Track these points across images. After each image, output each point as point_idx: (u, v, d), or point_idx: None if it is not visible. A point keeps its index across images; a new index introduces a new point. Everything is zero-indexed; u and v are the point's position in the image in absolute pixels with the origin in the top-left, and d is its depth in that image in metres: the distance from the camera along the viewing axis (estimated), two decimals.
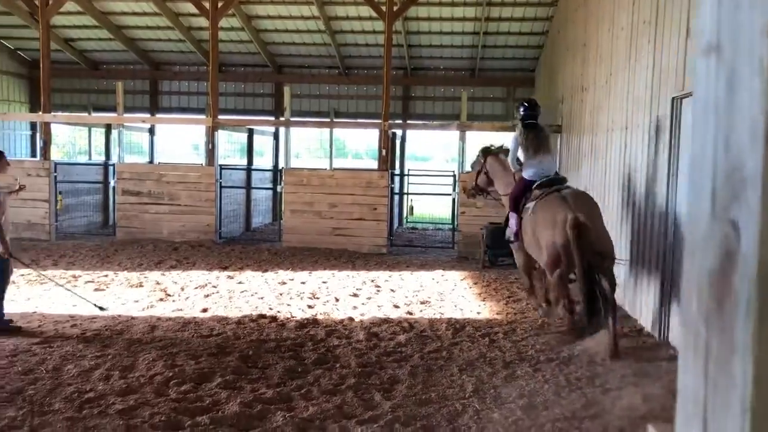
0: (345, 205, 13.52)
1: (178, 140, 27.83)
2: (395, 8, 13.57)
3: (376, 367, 5.99)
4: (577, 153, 11.79)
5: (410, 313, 8.26)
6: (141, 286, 9.66)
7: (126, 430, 4.41)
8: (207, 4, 13.97)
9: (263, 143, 20.28)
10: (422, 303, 8.88)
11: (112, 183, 15.02)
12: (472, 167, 9.32)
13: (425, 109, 19.64)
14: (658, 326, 6.98)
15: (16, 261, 7.36)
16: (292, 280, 10.37)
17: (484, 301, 9.10)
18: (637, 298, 7.75)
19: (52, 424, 4.48)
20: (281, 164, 18.09)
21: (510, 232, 7.85)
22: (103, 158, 19.24)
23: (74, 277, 10.16)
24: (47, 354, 6.09)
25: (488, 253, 11.98)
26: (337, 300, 8.99)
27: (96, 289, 9.30)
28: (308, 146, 24.62)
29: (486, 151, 8.75)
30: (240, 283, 10.05)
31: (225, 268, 11.22)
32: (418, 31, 17.08)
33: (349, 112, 19.67)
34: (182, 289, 9.48)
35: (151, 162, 19.17)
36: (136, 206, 14.04)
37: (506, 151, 8.38)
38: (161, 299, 8.77)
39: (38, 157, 15.42)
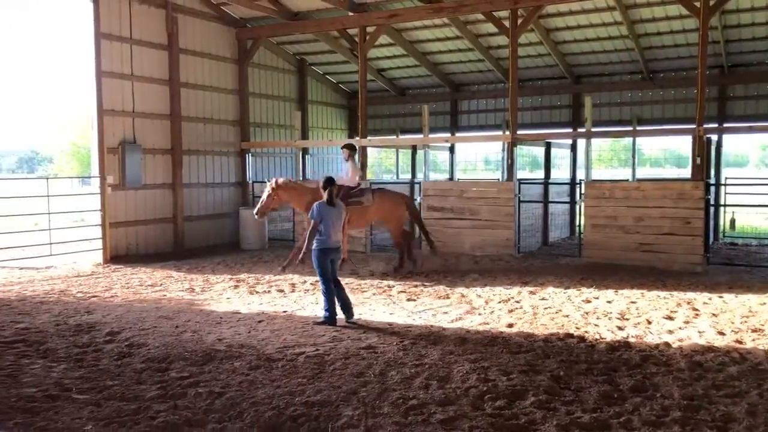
0: (653, 218, 12.61)
1: (470, 156, 28.79)
2: (711, 3, 12.32)
3: (704, 401, 5.41)
4: None
5: (740, 342, 7.33)
6: (447, 297, 10.12)
7: None
8: (507, 23, 14.24)
9: (559, 155, 19.95)
10: (754, 331, 7.82)
11: (417, 200, 16.07)
12: (267, 196, 12.51)
13: (746, 109, 17.47)
14: None
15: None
16: (597, 298, 9.95)
17: None
18: None
19: (384, 427, 4.87)
20: (579, 176, 17.64)
21: None
22: (409, 177, 20.72)
23: (389, 286, 11.04)
24: (373, 359, 6.68)
25: None
26: (649, 323, 8.37)
27: (408, 299, 9.99)
28: (600, 155, 23.52)
29: (278, 184, 12.48)
30: (543, 299, 9.95)
31: (526, 283, 11.22)
32: (738, 24, 15.29)
33: (654, 118, 18.38)
34: (486, 302, 9.70)
35: (451, 179, 20.12)
36: (441, 221, 14.81)
37: (290, 181, 13.10)
38: (468, 312, 9.08)
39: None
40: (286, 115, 19.44)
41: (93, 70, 13.93)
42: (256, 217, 12.79)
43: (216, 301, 10.00)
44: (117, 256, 14.12)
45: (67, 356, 6.86)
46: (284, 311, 9.15)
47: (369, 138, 16.95)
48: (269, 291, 10.76)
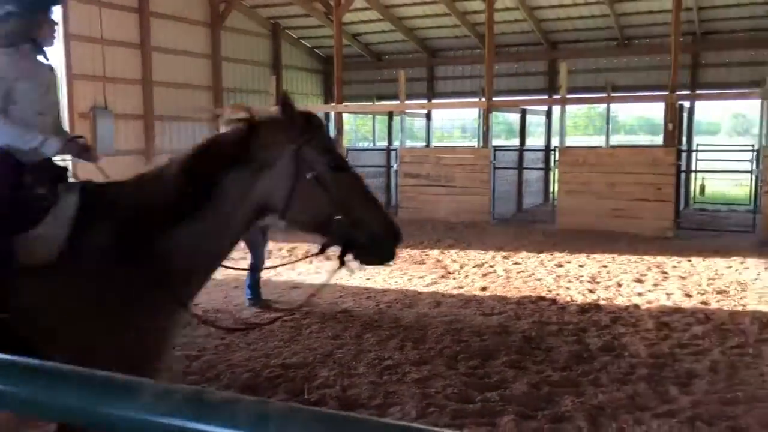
0: (625, 185, 12.78)
1: (447, 123, 28.79)
2: None
3: (669, 359, 5.59)
4: None
5: (705, 304, 7.54)
6: (423, 263, 10.23)
7: (422, 399, 4.71)
8: None
9: (533, 122, 20.05)
10: (719, 293, 8.04)
11: (394, 167, 16.08)
12: None
13: (718, 77, 17.66)
14: None
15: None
16: (569, 262, 10.13)
17: None
18: None
19: (359, 387, 4.97)
20: (553, 143, 17.76)
21: None
22: (385, 143, 20.68)
23: None
24: (349, 322, 6.76)
25: None
26: (619, 285, 8.56)
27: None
28: (575, 122, 23.75)
29: None
30: (516, 263, 10.10)
31: (500, 249, 11.36)
32: None
33: (628, 85, 18.50)
34: (461, 267, 9.83)
35: (427, 145, 20.14)
36: (416, 188, 14.87)
37: None
38: (443, 276, 9.20)
39: None
40: (260, 80, 19.19)
41: (61, 33, 13.59)
42: None
43: None
44: None
45: None
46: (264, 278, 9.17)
47: (345, 104, 16.85)
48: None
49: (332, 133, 17.24)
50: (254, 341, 6.14)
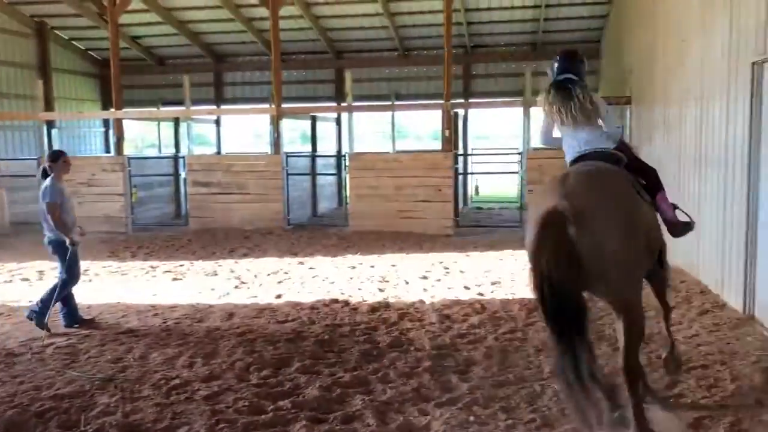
0: (410, 187, 13.49)
1: (241, 130, 28.26)
2: None
3: (450, 349, 5.98)
4: (648, 126, 11.39)
5: (481, 294, 8.20)
6: (216, 274, 9.93)
7: (212, 416, 4.55)
8: None
9: (325, 129, 20.41)
10: (493, 284, 8.80)
11: (182, 175, 15.43)
12: None
13: (487, 86, 19.35)
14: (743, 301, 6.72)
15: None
16: (362, 264, 10.45)
17: None
18: (724, 276, 7.47)
19: (143, 410, 4.67)
20: (344, 149, 18.24)
21: None
22: (172, 151, 19.76)
23: (152, 267, 10.53)
24: (133, 343, 6.34)
25: None
26: (407, 283, 9.01)
27: (174, 279, 9.62)
28: (372, 129, 24.70)
29: None
30: (311, 268, 10.20)
31: (295, 254, 11.41)
32: (477, 8, 16.80)
33: (410, 94, 19.58)
34: (255, 276, 9.70)
35: (218, 153, 19.63)
36: (207, 196, 14.40)
37: None
38: (236, 287, 9.00)
39: (112, 153, 15.97)
40: (25, 84, 17.37)
41: None
42: None
43: None
44: None
45: None
46: (30, 301, 8.28)
47: (125, 110, 15.84)
48: (11, 281, 9.66)
49: (112, 140, 16.08)
50: (21, 373, 5.52)
